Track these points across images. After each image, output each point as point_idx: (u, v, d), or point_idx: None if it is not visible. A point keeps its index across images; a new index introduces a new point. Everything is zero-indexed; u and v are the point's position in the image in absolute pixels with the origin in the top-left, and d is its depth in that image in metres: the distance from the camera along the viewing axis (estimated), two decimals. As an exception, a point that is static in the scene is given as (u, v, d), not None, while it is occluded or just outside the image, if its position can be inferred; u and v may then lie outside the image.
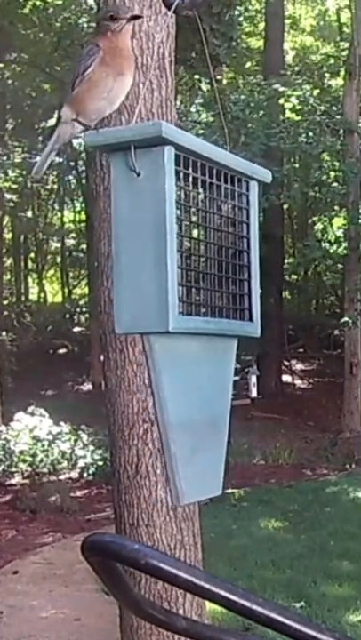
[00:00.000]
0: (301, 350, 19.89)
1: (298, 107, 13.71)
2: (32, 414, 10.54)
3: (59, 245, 24.98)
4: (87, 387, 17.52)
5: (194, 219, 1.41)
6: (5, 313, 20.02)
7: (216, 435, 1.48)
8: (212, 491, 1.51)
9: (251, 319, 1.51)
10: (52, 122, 16.74)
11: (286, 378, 17.44)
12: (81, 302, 24.75)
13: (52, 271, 25.93)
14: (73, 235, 24.40)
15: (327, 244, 15.08)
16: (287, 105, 13.85)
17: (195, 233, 1.42)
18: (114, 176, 1.34)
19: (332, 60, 16.76)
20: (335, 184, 13.93)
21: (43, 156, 1.84)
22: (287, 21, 18.87)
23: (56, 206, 24.58)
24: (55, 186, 23.85)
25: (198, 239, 1.42)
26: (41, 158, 1.86)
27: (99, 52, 1.65)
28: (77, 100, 1.68)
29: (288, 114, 13.99)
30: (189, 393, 1.41)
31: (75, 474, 10.33)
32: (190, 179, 1.36)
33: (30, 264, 25.41)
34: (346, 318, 13.09)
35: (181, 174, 1.34)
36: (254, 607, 0.84)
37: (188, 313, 1.36)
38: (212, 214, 1.45)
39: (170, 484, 1.42)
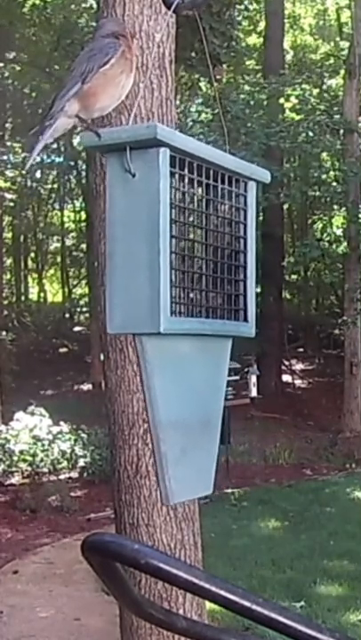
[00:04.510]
0: (301, 350, 19.89)
1: (298, 106, 13.71)
2: (32, 414, 10.53)
3: (59, 245, 24.98)
4: (87, 387, 17.52)
5: (190, 219, 1.40)
6: (5, 313, 20.01)
7: (208, 434, 1.48)
8: (203, 490, 1.51)
9: (246, 319, 1.50)
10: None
11: (286, 378, 17.44)
12: (81, 302, 24.75)
13: (52, 271, 25.93)
14: (73, 234, 24.40)
15: (326, 244, 15.09)
16: (287, 104, 13.87)
17: (191, 234, 1.42)
18: (109, 176, 1.34)
19: (331, 60, 16.76)
20: (335, 183, 13.93)
21: (36, 150, 1.76)
22: (287, 20, 18.85)
23: (56, 206, 24.57)
24: (55, 186, 23.85)
25: (194, 240, 1.42)
26: (33, 153, 1.79)
27: (120, 46, 1.61)
28: (89, 95, 1.60)
29: (288, 113, 14.00)
30: (181, 393, 1.40)
31: (75, 474, 10.32)
32: (187, 180, 1.36)
33: (30, 264, 25.40)
34: (345, 318, 13.09)
35: (177, 175, 1.34)
36: (254, 607, 0.84)
37: (183, 314, 1.36)
38: (209, 215, 1.44)
39: (159, 483, 1.42)
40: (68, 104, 1.62)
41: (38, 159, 21.49)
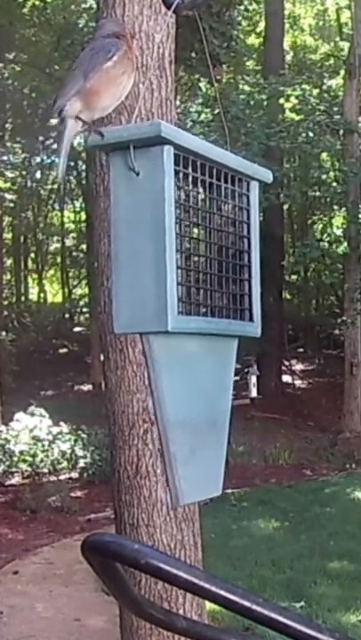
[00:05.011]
0: (301, 350, 19.89)
1: (298, 106, 13.71)
2: (32, 414, 10.53)
3: (59, 245, 24.98)
4: (87, 387, 17.52)
5: (194, 218, 1.40)
6: (5, 313, 20.02)
7: (216, 435, 1.48)
8: (212, 491, 1.50)
9: (251, 319, 1.50)
10: (52, 121, 16.74)
11: (286, 378, 17.43)
12: (81, 302, 24.75)
13: (52, 271, 25.93)
14: (73, 235, 24.40)
15: (326, 244, 15.09)
16: (287, 105, 13.87)
17: (195, 233, 1.42)
18: (113, 175, 1.33)
19: (331, 60, 16.76)
20: (335, 184, 13.94)
21: (61, 157, 1.66)
22: (286, 20, 18.85)
23: (56, 207, 24.57)
24: (55, 186, 23.85)
25: (198, 239, 1.42)
26: (60, 160, 1.69)
27: (122, 46, 1.61)
28: (91, 93, 1.57)
29: (288, 113, 14.00)
30: (189, 393, 1.40)
31: (75, 474, 10.32)
32: (190, 178, 1.36)
33: (30, 264, 25.41)
34: (344, 318, 13.09)
35: (181, 174, 1.33)
36: (254, 607, 0.84)
37: (188, 313, 1.36)
38: (213, 214, 1.44)
39: (169, 484, 1.42)
40: (70, 103, 1.60)
41: (38, 160, 21.51)
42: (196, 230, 1.42)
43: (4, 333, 15.71)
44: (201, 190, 1.41)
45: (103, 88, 1.58)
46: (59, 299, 25.38)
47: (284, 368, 17.36)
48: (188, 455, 1.39)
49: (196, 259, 1.41)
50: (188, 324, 1.34)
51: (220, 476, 1.49)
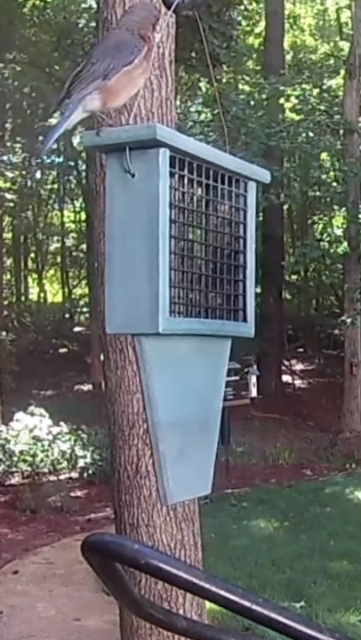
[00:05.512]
0: (301, 350, 19.88)
1: (298, 106, 13.72)
2: (32, 414, 10.53)
3: (59, 245, 24.98)
4: (87, 387, 17.52)
5: (190, 220, 1.40)
6: (5, 313, 20.01)
7: (207, 434, 1.48)
8: (202, 490, 1.51)
9: (245, 320, 1.50)
10: (52, 121, 16.72)
11: (286, 378, 17.43)
12: (81, 302, 24.75)
13: (52, 271, 25.93)
14: (73, 235, 24.40)
15: (326, 244, 15.10)
16: (287, 104, 13.88)
17: (191, 234, 1.42)
18: (109, 177, 1.34)
19: (331, 60, 16.76)
20: (335, 184, 13.94)
21: (50, 139, 1.62)
22: (286, 20, 18.84)
23: (56, 206, 24.57)
24: (55, 186, 23.85)
25: (194, 240, 1.42)
26: (47, 142, 1.66)
27: (144, 47, 1.59)
28: (111, 93, 1.55)
29: (288, 113, 14.01)
30: (180, 393, 1.40)
31: (75, 474, 10.32)
32: (186, 180, 1.36)
33: (30, 264, 25.40)
34: (343, 318, 13.09)
35: (177, 176, 1.34)
36: (254, 607, 0.84)
37: (182, 314, 1.36)
38: (209, 215, 1.44)
39: (158, 483, 1.42)
40: (89, 97, 1.58)
41: (38, 160, 21.49)
42: (191, 231, 1.42)
43: (4, 333, 15.70)
44: (198, 191, 1.41)
45: (123, 89, 1.57)
46: (59, 299, 25.38)
47: (284, 368, 17.36)
48: (177, 455, 1.39)
49: (191, 260, 1.41)
50: (181, 325, 1.34)
51: (209, 476, 1.50)
